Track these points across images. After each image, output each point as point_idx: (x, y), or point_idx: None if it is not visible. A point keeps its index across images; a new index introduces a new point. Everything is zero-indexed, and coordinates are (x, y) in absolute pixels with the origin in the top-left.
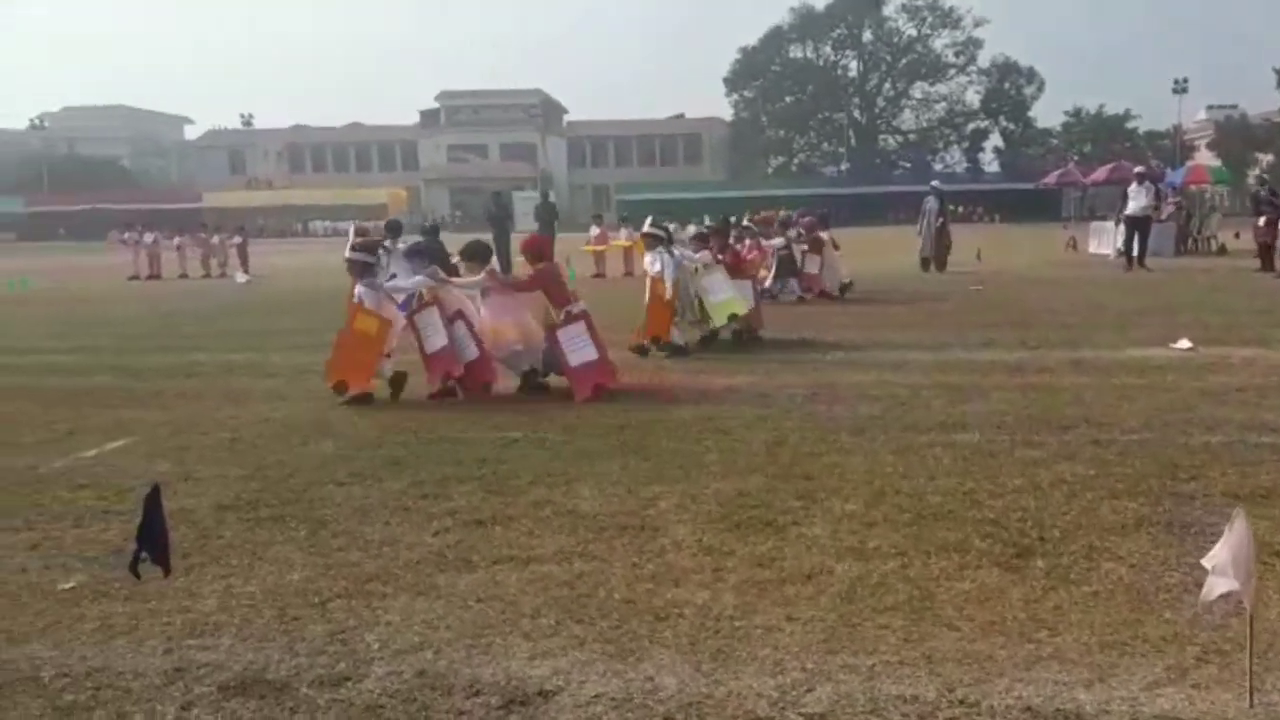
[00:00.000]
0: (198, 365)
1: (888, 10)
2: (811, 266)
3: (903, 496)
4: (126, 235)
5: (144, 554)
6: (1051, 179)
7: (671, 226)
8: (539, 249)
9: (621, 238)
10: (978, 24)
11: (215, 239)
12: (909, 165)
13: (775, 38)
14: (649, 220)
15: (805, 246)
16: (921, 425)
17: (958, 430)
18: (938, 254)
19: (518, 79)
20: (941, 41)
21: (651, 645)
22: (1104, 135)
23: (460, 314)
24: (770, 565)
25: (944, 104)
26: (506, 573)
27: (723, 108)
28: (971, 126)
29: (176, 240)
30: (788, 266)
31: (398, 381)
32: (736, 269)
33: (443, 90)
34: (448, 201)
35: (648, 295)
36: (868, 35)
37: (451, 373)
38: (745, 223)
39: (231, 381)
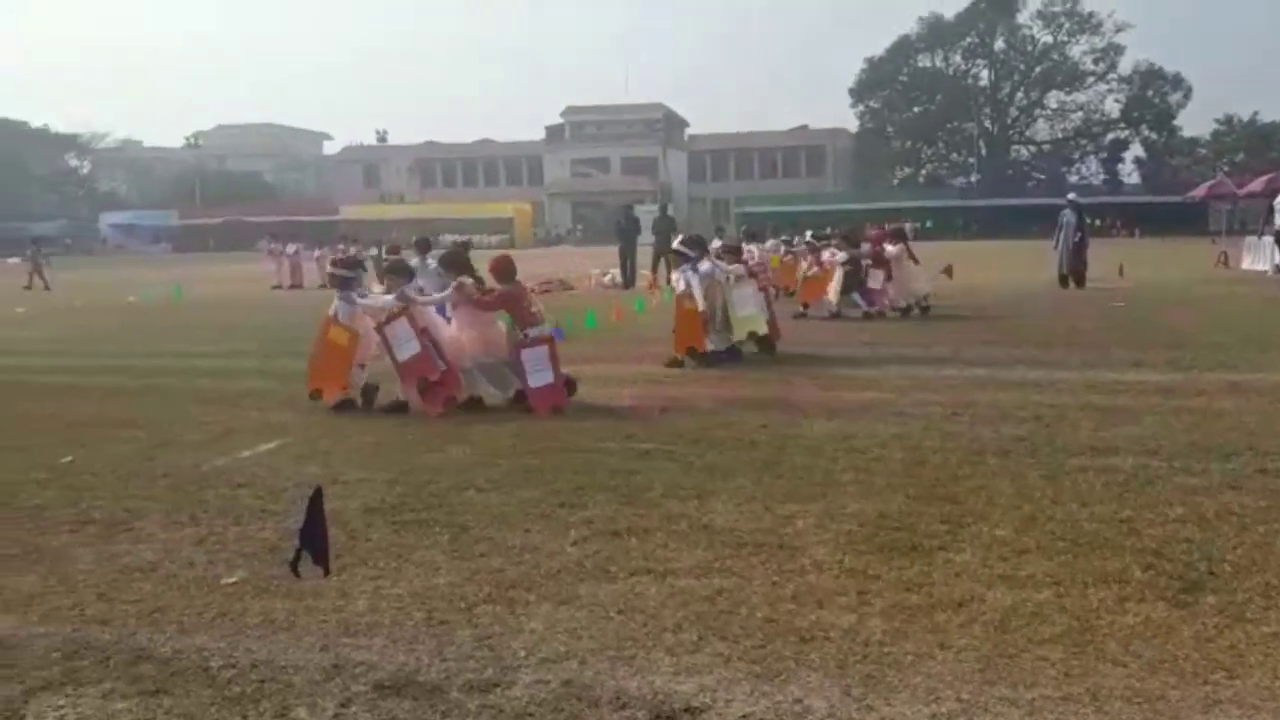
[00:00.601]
0: None
1: (1022, 17)
2: (874, 281)
3: (1055, 523)
4: (272, 245)
5: (306, 553)
6: (1201, 191)
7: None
8: (507, 269)
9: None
10: (1119, 29)
11: (353, 251)
12: (1043, 177)
13: (903, 47)
14: (679, 239)
15: (869, 261)
16: (1070, 448)
17: (1109, 454)
18: (1076, 269)
19: (642, 94)
20: (1079, 48)
21: (798, 667)
22: (1259, 144)
23: (425, 330)
24: (918, 590)
25: (1081, 113)
26: (645, 585)
27: (847, 119)
28: (1110, 136)
29: (317, 252)
30: (853, 281)
31: (368, 394)
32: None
33: (568, 106)
34: (569, 215)
35: (675, 310)
36: (1000, 43)
37: (428, 376)
38: (808, 238)
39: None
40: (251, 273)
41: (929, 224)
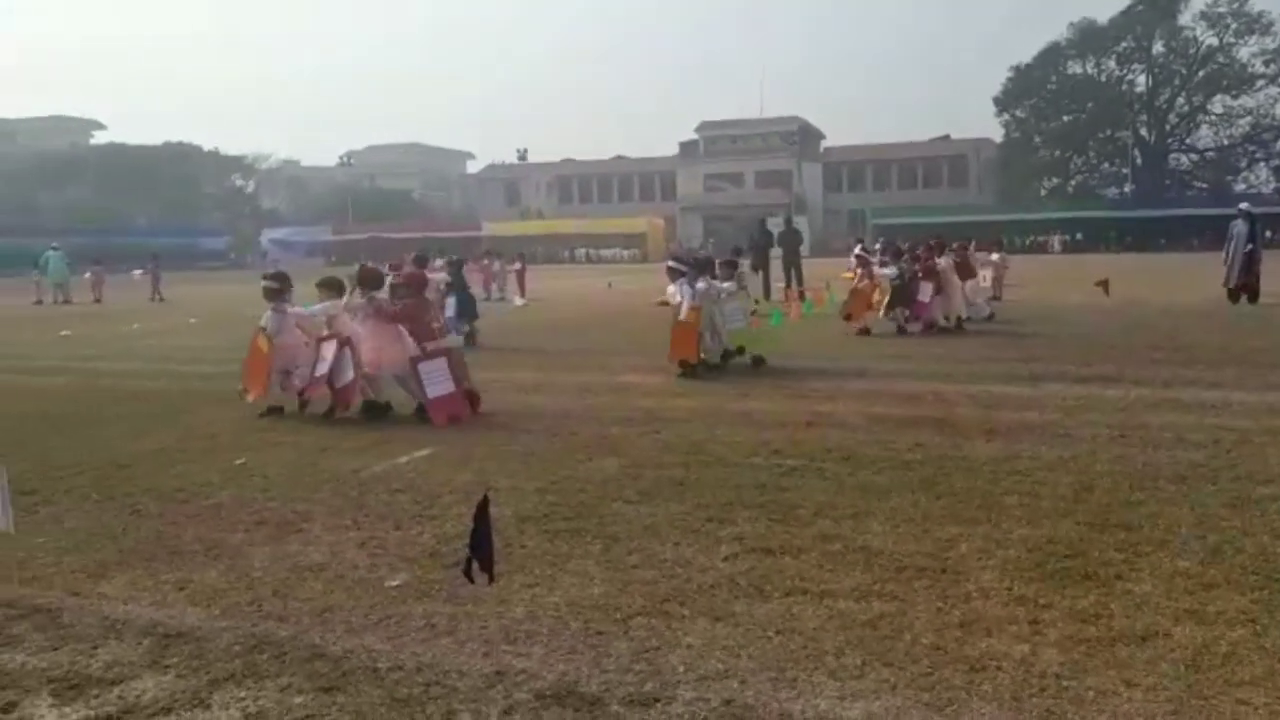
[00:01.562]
0: (490, 381)
1: (1183, 19)
2: (924, 294)
3: (1245, 556)
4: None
5: (474, 559)
6: None
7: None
8: (417, 284)
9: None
10: None
11: (496, 265)
12: (1205, 186)
13: (1052, 54)
14: (671, 255)
15: (920, 272)
16: (1257, 475)
17: None
18: (1248, 283)
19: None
20: (1248, 50)
21: (970, 697)
22: None
23: (348, 340)
24: (1095, 622)
25: (1249, 118)
26: (802, 606)
27: (992, 129)
28: None
29: (464, 267)
30: (901, 295)
31: (373, 409)
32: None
33: (703, 121)
34: (701, 228)
35: (673, 324)
36: (1159, 47)
37: (458, 414)
38: (858, 251)
39: (521, 398)
40: None
41: (1079, 236)
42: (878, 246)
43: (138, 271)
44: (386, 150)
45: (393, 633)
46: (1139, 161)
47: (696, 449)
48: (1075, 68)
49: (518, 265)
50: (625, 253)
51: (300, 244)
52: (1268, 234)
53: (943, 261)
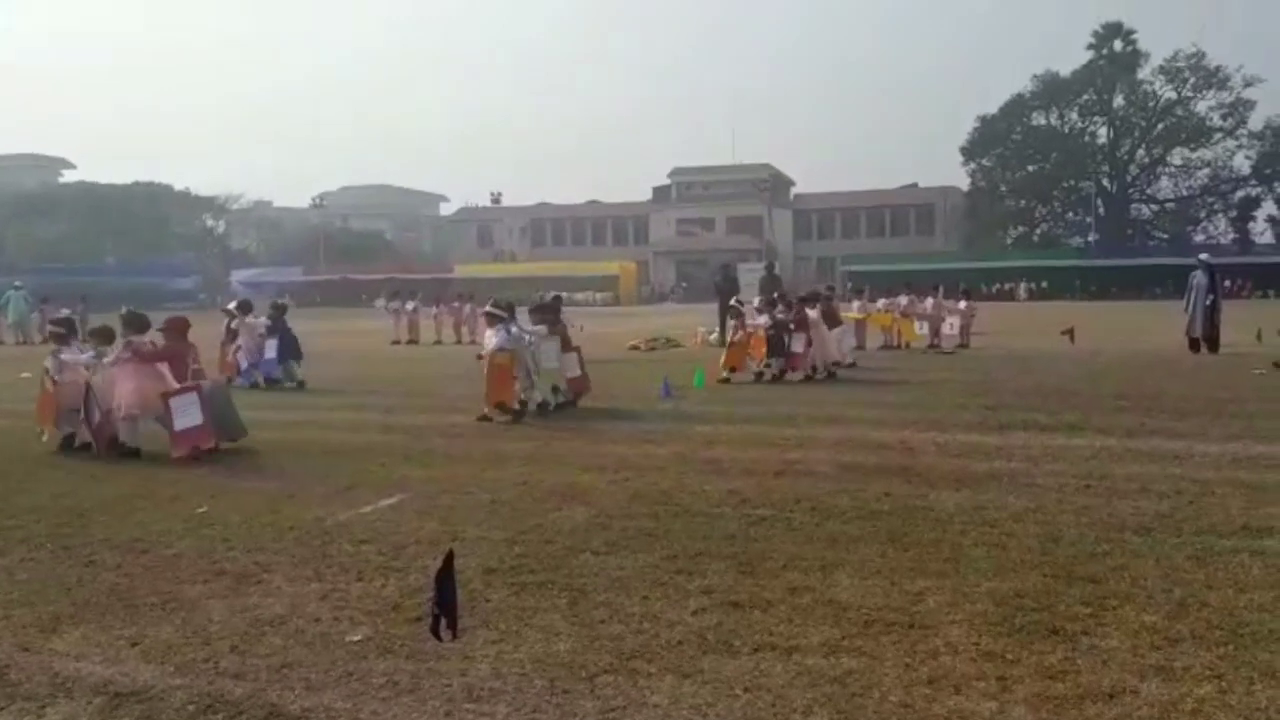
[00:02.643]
0: (455, 426)
1: (1143, 73)
2: (796, 346)
3: (1210, 610)
4: (392, 302)
5: (439, 614)
6: None
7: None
8: (178, 327)
9: (854, 310)
10: (1248, 83)
11: (467, 308)
12: (1166, 236)
13: (1016, 105)
14: (491, 302)
15: (793, 325)
16: (1221, 528)
17: (1264, 536)
18: (1209, 333)
19: (749, 155)
20: (1206, 104)
21: None
22: None
23: (88, 384)
24: (1063, 678)
25: (1208, 170)
26: (770, 662)
27: (958, 177)
28: (1240, 194)
29: (434, 309)
30: (777, 345)
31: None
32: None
33: (675, 167)
34: (674, 273)
35: (486, 368)
36: (1119, 100)
37: (203, 445)
38: (735, 303)
39: (488, 444)
40: (370, 328)
41: (1044, 284)
42: (754, 302)
43: (65, 311)
44: (359, 191)
45: (353, 690)
46: (1102, 211)
47: (666, 498)
48: (1039, 119)
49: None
50: (598, 296)
51: (270, 285)
52: (1226, 284)
53: (813, 313)
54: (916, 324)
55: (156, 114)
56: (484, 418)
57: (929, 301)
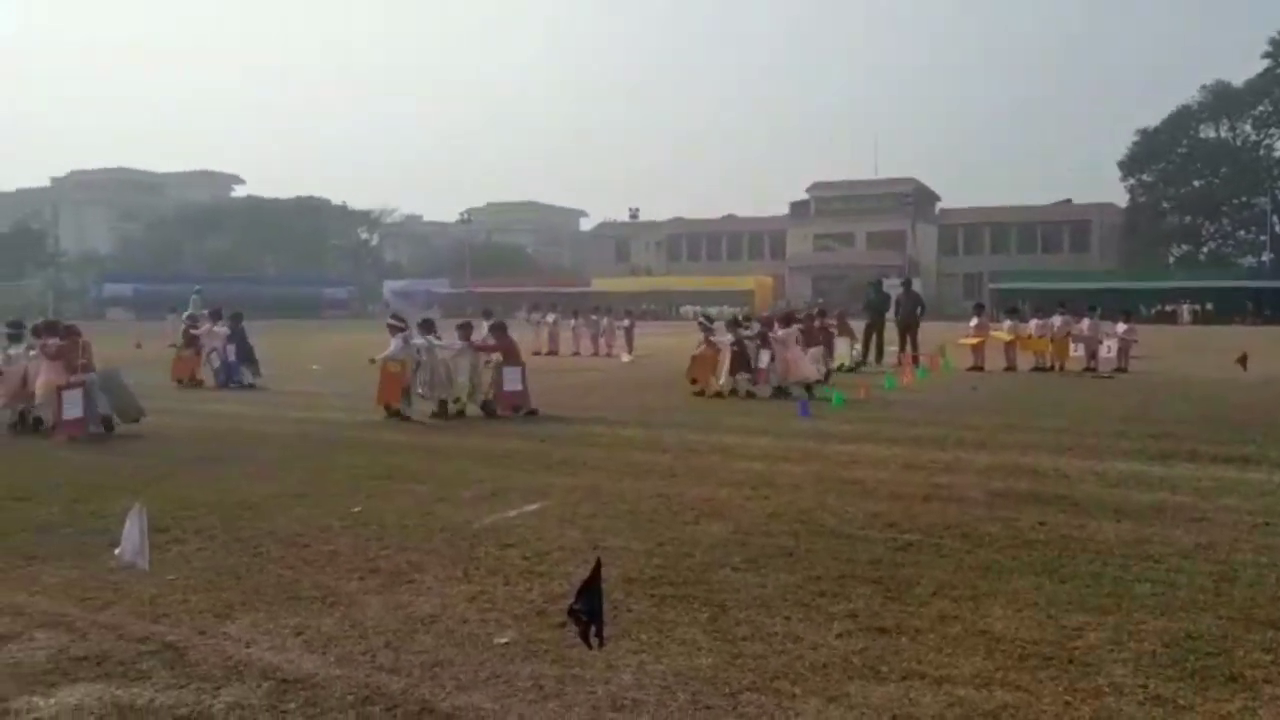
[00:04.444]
0: (595, 436)
1: None
2: (761, 362)
3: None
4: (532, 314)
5: (590, 622)
6: None
7: None
8: (72, 333)
9: (1004, 330)
10: None
11: (604, 320)
12: None
13: (1182, 118)
14: (391, 314)
15: (757, 342)
16: None
17: None
18: None
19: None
20: None
21: None
22: None
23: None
24: None
25: None
26: (920, 690)
27: (1114, 193)
28: None
29: (573, 322)
30: (742, 361)
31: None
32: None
33: (815, 182)
34: (810, 288)
35: (380, 372)
36: None
37: (76, 433)
38: (700, 320)
39: (628, 455)
40: (514, 339)
41: (1209, 306)
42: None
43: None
44: (504, 208)
45: (501, 692)
46: (1278, 229)
47: (806, 517)
48: (1208, 131)
49: (626, 322)
50: (733, 311)
51: (419, 295)
52: None
53: (780, 332)
54: (1072, 346)
55: (318, 132)
56: (393, 414)
57: (1085, 322)
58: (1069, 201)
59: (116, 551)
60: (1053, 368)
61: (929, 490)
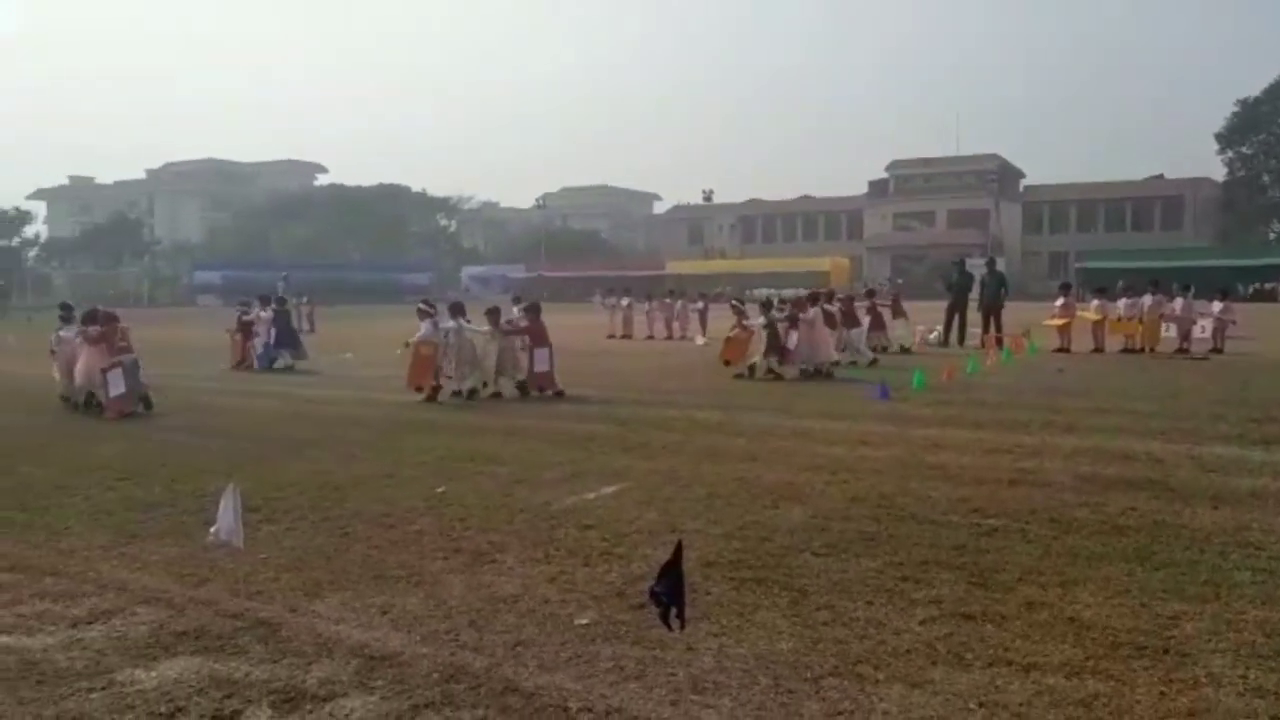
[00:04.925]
0: (672, 420)
1: None
2: (790, 343)
3: None
4: (607, 298)
5: (670, 604)
6: None
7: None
8: (108, 319)
9: (1091, 310)
10: None
11: (678, 305)
12: None
13: None
14: (421, 300)
15: (786, 324)
16: None
17: None
18: None
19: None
20: None
21: None
22: None
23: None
24: None
25: None
26: (1007, 678)
27: (1210, 167)
28: None
29: (647, 305)
30: (773, 343)
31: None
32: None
33: (893, 160)
34: (889, 268)
35: (411, 354)
36: None
37: (125, 410)
38: (733, 302)
39: (706, 438)
40: (588, 322)
41: None
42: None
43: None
44: (578, 193)
45: (582, 672)
46: None
47: (887, 502)
48: None
49: (700, 304)
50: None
51: (496, 280)
52: None
53: (810, 313)
54: (1164, 326)
55: (401, 120)
56: (430, 397)
57: (1178, 302)
58: (1161, 176)
59: (212, 530)
60: (1143, 349)
61: (1014, 475)
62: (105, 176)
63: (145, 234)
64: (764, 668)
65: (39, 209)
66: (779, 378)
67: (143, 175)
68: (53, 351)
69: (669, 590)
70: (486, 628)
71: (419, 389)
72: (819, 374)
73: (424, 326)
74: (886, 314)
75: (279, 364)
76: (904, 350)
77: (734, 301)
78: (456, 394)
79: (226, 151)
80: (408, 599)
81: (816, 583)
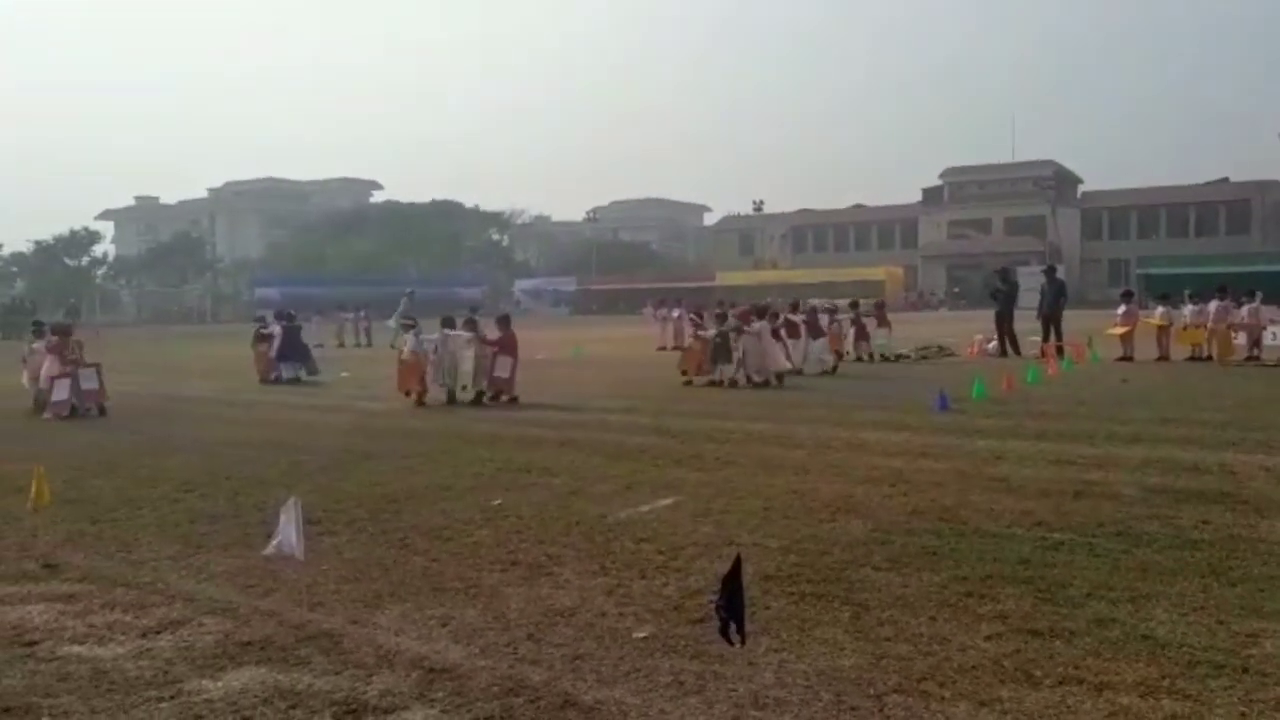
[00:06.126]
0: (725, 431)
1: None
2: (737, 352)
3: None
4: (658, 310)
5: (730, 619)
6: None
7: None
8: (64, 331)
9: (1155, 316)
10: None
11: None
12: None
13: None
14: (402, 315)
15: (736, 334)
16: None
17: None
18: None
19: (1031, 151)
20: None
21: None
22: None
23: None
24: None
25: None
26: (1078, 697)
27: (1277, 170)
28: None
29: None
30: (722, 353)
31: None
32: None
33: (948, 167)
34: (944, 277)
35: (398, 364)
36: None
37: (61, 414)
38: (690, 315)
39: (760, 450)
40: (638, 335)
41: None
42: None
43: (348, 316)
44: (628, 205)
45: (641, 686)
46: None
47: (949, 515)
48: None
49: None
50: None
51: (548, 293)
52: None
53: (755, 326)
54: (1232, 333)
55: (453, 137)
56: (419, 401)
57: (1246, 309)
58: (1225, 180)
59: (273, 543)
60: (1209, 358)
61: (1079, 487)
62: (170, 196)
63: (207, 252)
64: (826, 684)
65: (107, 229)
66: (734, 384)
67: (204, 194)
68: (24, 360)
69: (728, 604)
70: (545, 640)
71: (408, 393)
72: (767, 385)
73: (409, 339)
74: (871, 324)
75: (286, 375)
76: (885, 359)
77: (691, 315)
78: (450, 401)
79: (285, 170)
80: (466, 611)
81: (878, 597)
